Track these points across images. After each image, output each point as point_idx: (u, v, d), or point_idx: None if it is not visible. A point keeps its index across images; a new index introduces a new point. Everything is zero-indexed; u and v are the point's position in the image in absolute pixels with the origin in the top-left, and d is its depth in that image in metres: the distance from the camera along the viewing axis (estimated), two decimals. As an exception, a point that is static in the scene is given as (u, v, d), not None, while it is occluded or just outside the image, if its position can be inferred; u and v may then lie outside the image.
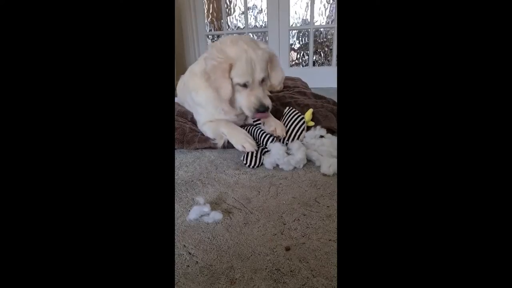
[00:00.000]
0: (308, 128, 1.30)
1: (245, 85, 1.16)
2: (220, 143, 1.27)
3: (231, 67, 1.14)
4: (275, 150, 1.11)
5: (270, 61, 1.22)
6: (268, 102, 1.18)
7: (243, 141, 1.17)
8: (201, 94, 1.31)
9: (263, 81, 1.19)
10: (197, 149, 1.32)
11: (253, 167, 1.14)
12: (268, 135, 1.20)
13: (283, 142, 1.20)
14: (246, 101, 1.17)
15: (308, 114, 1.31)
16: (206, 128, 1.34)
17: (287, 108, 1.32)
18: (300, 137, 1.22)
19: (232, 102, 1.23)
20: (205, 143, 1.30)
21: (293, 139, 1.21)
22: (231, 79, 1.15)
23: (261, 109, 1.16)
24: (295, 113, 1.27)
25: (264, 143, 1.21)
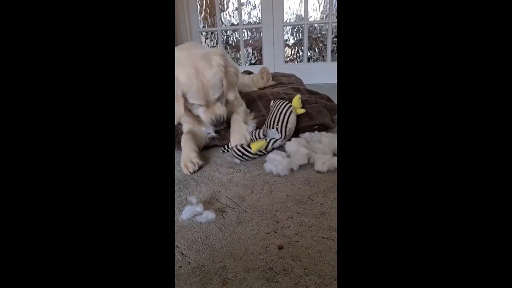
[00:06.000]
0: (299, 116, 1.29)
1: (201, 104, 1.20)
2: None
3: (183, 92, 1.14)
4: (275, 158, 1.07)
5: (225, 73, 1.18)
6: (222, 116, 1.23)
7: (187, 161, 1.14)
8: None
9: (219, 99, 1.20)
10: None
11: (243, 158, 1.15)
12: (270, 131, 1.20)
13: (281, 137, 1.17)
14: (204, 117, 1.23)
15: (296, 100, 1.29)
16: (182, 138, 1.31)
17: (273, 101, 1.33)
18: (290, 124, 1.20)
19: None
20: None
21: (282, 126, 1.18)
22: (186, 99, 1.16)
23: (218, 125, 1.24)
24: (281, 102, 1.27)
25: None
